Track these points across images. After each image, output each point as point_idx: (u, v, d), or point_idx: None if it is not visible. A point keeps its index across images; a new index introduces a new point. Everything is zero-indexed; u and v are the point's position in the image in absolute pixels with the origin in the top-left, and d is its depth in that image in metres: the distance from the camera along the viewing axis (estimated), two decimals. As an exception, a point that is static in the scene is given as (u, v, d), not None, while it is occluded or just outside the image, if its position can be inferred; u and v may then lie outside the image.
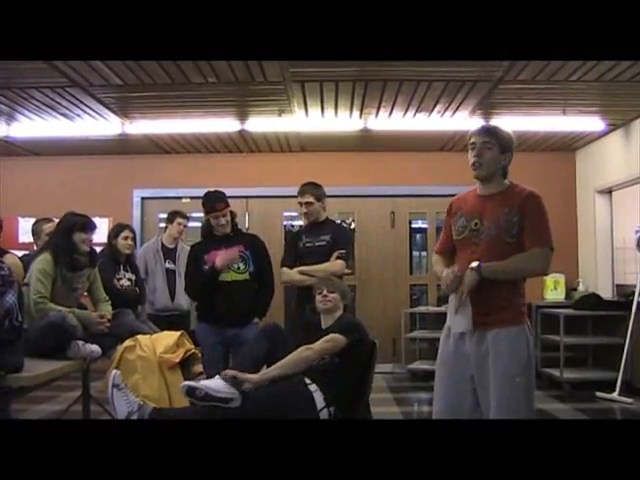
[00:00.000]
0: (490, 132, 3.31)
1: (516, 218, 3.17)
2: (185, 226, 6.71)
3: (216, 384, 3.58)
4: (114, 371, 3.83)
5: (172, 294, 6.51)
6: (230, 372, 3.71)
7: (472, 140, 3.30)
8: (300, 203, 5.20)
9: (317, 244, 5.11)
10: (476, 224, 3.26)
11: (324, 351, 3.87)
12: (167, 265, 6.57)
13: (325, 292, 4.21)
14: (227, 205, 4.96)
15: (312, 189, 5.20)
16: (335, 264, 4.97)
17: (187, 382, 3.65)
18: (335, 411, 3.75)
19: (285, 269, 5.18)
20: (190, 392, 3.55)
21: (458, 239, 3.34)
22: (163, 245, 6.66)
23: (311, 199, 5.16)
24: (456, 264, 3.30)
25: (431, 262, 9.01)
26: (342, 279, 4.86)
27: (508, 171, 3.37)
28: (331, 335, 3.93)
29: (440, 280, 3.33)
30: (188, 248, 6.35)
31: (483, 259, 3.16)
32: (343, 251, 5.02)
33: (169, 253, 6.63)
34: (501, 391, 3.08)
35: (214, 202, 4.95)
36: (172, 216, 6.72)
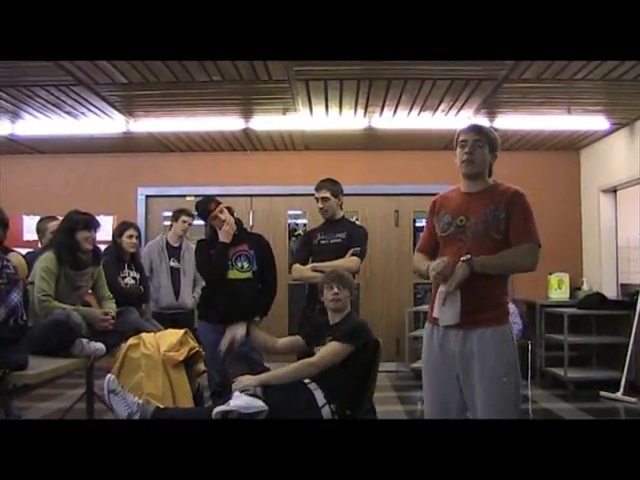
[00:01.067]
0: (481, 131, 3.35)
1: (503, 215, 3.20)
2: (190, 224, 6.71)
3: (243, 401, 3.58)
4: (108, 376, 3.83)
5: (176, 292, 6.51)
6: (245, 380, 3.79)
7: (462, 138, 3.34)
8: (316, 198, 5.21)
9: (332, 241, 5.11)
10: (462, 220, 3.28)
11: (327, 365, 3.87)
12: (172, 263, 6.58)
13: (336, 289, 4.15)
14: (219, 202, 4.97)
15: (329, 185, 5.21)
16: (350, 260, 4.96)
17: (218, 409, 3.60)
18: (337, 408, 3.75)
19: (297, 265, 5.17)
20: (224, 417, 3.53)
21: (443, 235, 3.36)
22: (168, 243, 6.66)
23: (327, 194, 5.16)
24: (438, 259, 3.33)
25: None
26: (354, 276, 4.85)
27: (492, 170, 3.41)
28: (334, 346, 3.90)
29: (423, 275, 3.36)
30: (193, 246, 6.37)
31: (470, 255, 3.17)
32: (358, 248, 5.02)
33: (174, 251, 6.63)
34: (488, 392, 3.10)
35: (205, 205, 4.95)
36: (177, 214, 6.72)
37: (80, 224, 4.73)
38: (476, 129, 3.35)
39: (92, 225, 4.77)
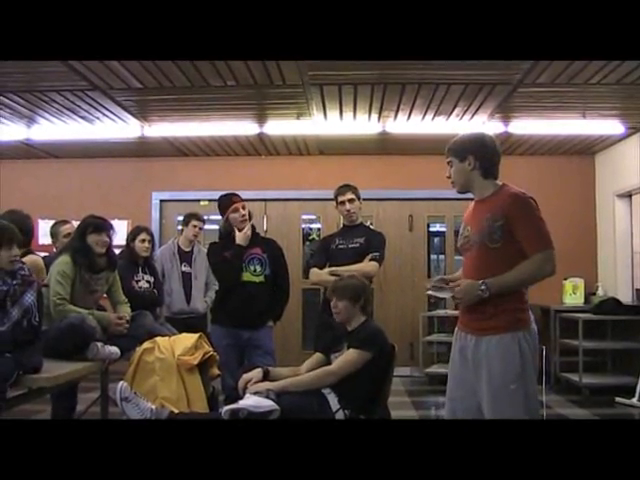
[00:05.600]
0: (447, 150, 3.36)
1: (499, 222, 3.10)
2: (200, 228, 6.69)
3: (254, 400, 3.57)
4: (120, 384, 3.82)
5: (188, 297, 6.49)
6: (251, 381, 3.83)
7: None
8: (342, 201, 5.21)
9: (350, 246, 5.12)
10: (468, 231, 3.29)
11: (346, 374, 3.85)
12: (183, 268, 6.56)
13: (334, 302, 4.09)
14: (242, 199, 5.02)
15: (353, 188, 5.26)
16: (368, 265, 4.97)
17: (228, 407, 3.58)
18: (351, 414, 3.74)
19: (314, 269, 5.17)
20: (233, 416, 3.50)
21: (459, 247, 3.41)
22: (179, 248, 6.66)
23: (353, 196, 5.20)
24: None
25: (449, 265, 9.10)
26: (371, 282, 4.82)
27: (492, 171, 3.29)
28: (352, 355, 3.88)
29: None
30: (205, 250, 6.39)
31: (472, 265, 3.20)
32: (377, 253, 5.02)
33: (185, 256, 6.62)
34: (494, 399, 3.08)
35: (230, 197, 5.03)
36: (187, 218, 6.71)
37: (90, 227, 4.75)
38: (446, 151, 3.36)
39: (102, 228, 4.76)
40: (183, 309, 6.43)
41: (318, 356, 4.21)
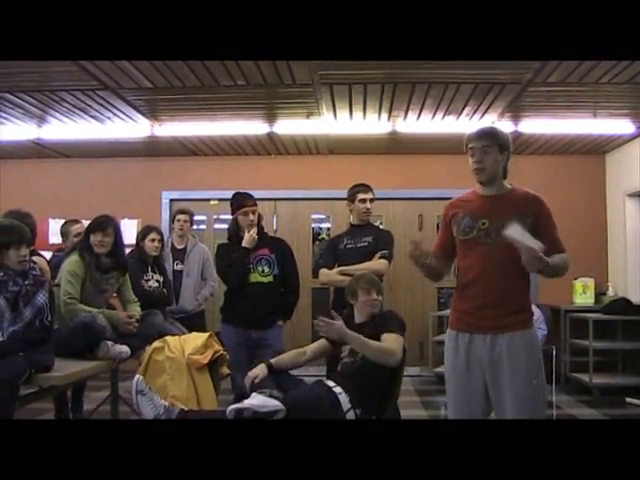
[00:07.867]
0: (487, 135, 3.34)
1: (529, 220, 3.19)
2: (186, 221, 6.66)
3: (259, 400, 3.56)
4: (136, 377, 3.83)
5: (176, 296, 6.38)
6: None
7: (470, 145, 3.34)
8: (364, 199, 5.21)
9: (359, 245, 5.12)
10: (484, 224, 3.28)
11: (400, 357, 3.95)
12: (175, 267, 6.52)
13: (374, 295, 4.18)
14: (255, 204, 5.02)
15: (371, 188, 5.27)
16: (379, 263, 4.98)
17: (232, 406, 3.54)
18: (362, 413, 3.74)
19: (324, 270, 5.17)
20: (238, 415, 3.49)
21: (466, 239, 3.36)
22: (173, 246, 6.65)
23: (373, 196, 5.26)
24: (458, 264, 3.45)
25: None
26: (381, 280, 4.83)
27: (507, 170, 3.39)
28: (399, 339, 3.99)
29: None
30: (201, 246, 6.43)
31: (496, 258, 3.20)
32: (386, 251, 5.03)
33: (178, 253, 6.59)
34: (519, 395, 3.11)
35: (243, 199, 5.04)
36: (174, 215, 6.75)
37: (91, 227, 4.76)
38: (482, 134, 3.34)
39: (101, 227, 4.74)
40: (171, 309, 6.25)
41: (323, 341, 4.22)
